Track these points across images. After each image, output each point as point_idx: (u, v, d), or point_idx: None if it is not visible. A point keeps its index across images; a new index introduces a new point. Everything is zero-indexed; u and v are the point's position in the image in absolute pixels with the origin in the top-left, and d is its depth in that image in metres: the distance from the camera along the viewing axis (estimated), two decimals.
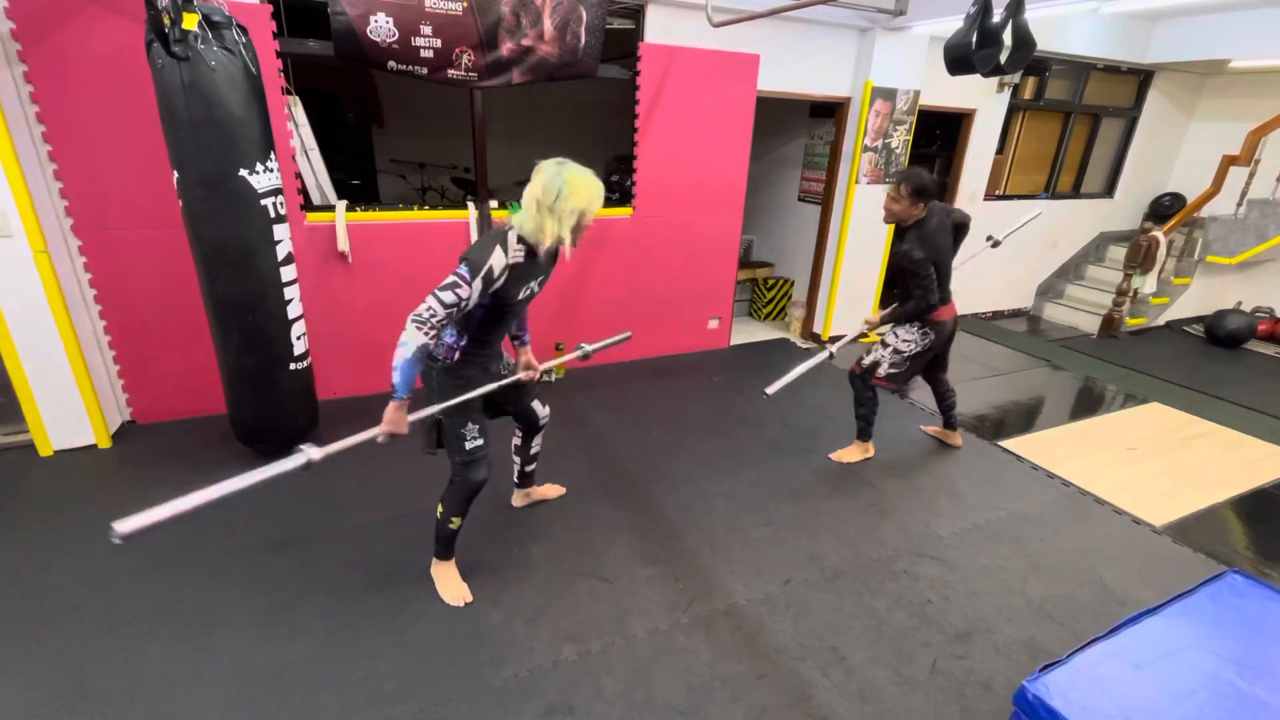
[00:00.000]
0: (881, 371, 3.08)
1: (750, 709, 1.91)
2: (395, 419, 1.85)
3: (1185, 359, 5.28)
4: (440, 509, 2.20)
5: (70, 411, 3.00)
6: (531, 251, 1.93)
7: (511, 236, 1.89)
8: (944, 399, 3.41)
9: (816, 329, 5.22)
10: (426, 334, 1.77)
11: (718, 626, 2.22)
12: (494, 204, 3.79)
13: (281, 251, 2.76)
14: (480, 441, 2.12)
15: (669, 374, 4.39)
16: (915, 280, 2.85)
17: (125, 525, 1.47)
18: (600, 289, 4.27)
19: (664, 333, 4.63)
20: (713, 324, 4.82)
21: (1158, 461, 3.52)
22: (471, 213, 3.72)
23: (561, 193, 1.84)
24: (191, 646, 2.03)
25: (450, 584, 2.28)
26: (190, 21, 2.29)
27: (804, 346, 5.09)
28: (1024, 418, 4.05)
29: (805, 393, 4.14)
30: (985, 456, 3.48)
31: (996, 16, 2.32)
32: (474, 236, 3.74)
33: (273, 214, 2.69)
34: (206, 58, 2.34)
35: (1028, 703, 1.59)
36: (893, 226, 3.07)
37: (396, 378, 1.79)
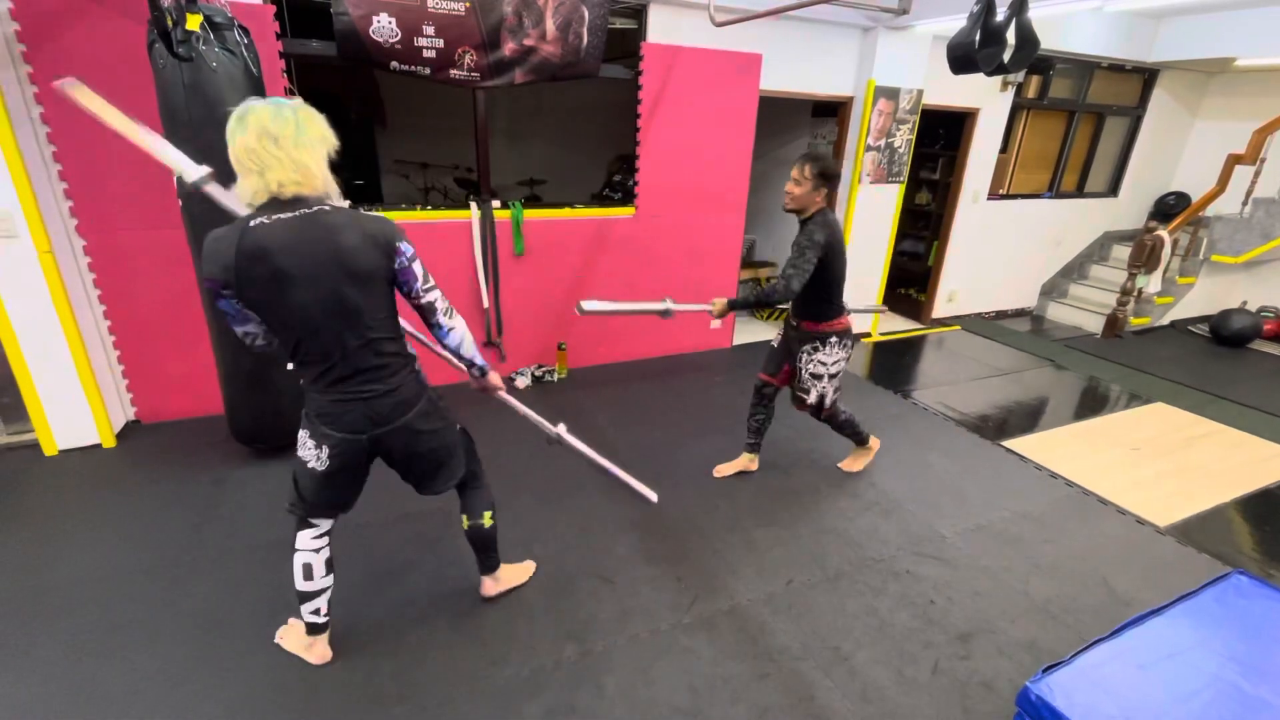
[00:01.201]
0: (828, 402, 2.90)
1: (752, 709, 1.91)
2: (498, 378, 2.00)
3: (1190, 359, 5.26)
4: (492, 516, 2.11)
5: (75, 411, 3.02)
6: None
7: (336, 207, 1.54)
8: (770, 418, 3.10)
9: None
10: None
11: (720, 626, 2.21)
12: (496, 204, 3.79)
13: None
14: None
15: (672, 374, 4.39)
16: (793, 263, 2.49)
17: None
18: (602, 289, 4.26)
19: (666, 333, 4.63)
20: (715, 324, 4.79)
21: (1162, 462, 3.50)
22: (474, 212, 3.73)
23: (299, 120, 1.44)
24: (194, 645, 2.03)
25: (519, 568, 2.37)
26: (194, 23, 2.30)
27: None
28: (1027, 418, 4.04)
29: None
30: (988, 456, 3.47)
31: (1000, 15, 2.31)
32: (476, 236, 3.75)
33: None
34: (208, 59, 2.35)
35: (1031, 703, 1.58)
36: (806, 221, 2.59)
37: (480, 357, 1.87)
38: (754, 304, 2.64)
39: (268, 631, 2.08)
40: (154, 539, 2.51)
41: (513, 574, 2.33)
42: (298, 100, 1.51)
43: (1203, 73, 6.13)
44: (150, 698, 1.85)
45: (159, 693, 1.87)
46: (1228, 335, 5.59)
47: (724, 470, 3.14)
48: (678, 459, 3.27)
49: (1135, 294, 5.59)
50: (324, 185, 1.52)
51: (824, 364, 2.79)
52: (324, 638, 1.99)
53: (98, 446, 3.11)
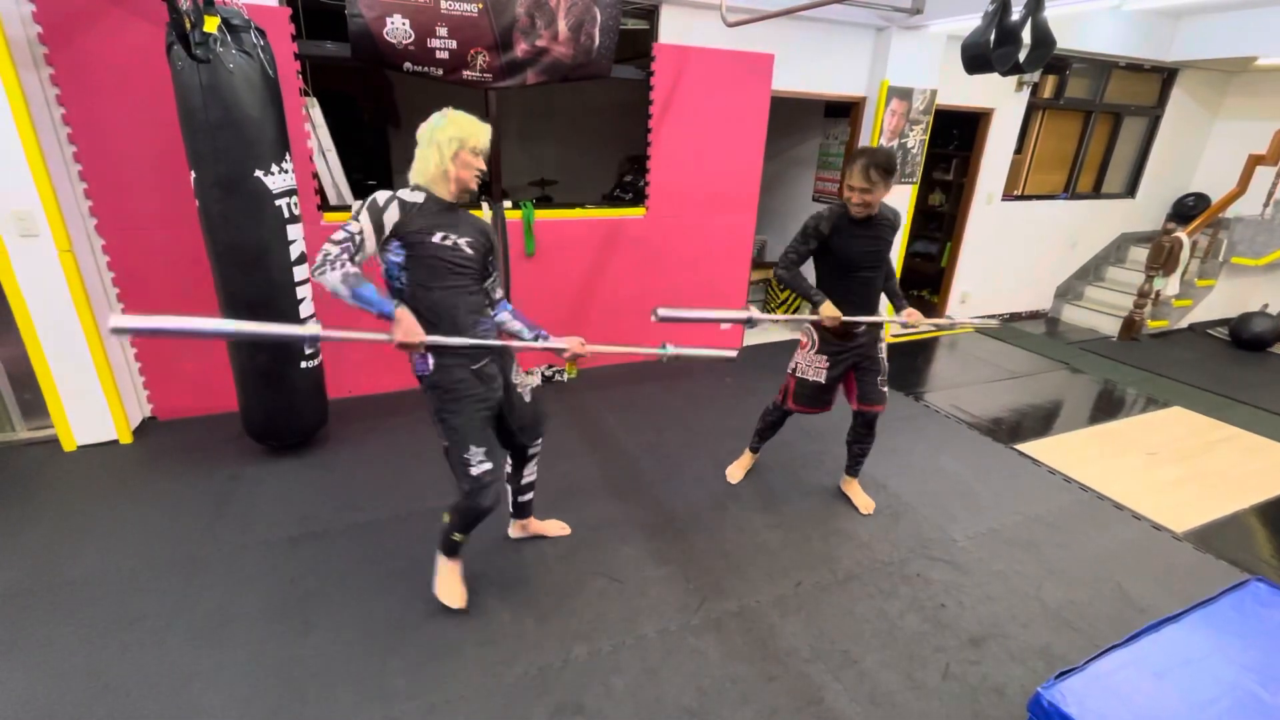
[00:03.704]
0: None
1: (760, 711, 1.90)
2: (407, 326, 1.78)
3: (1208, 362, 5.18)
4: (446, 517, 2.10)
5: (93, 408, 3.06)
6: (433, 197, 1.91)
7: (405, 187, 1.93)
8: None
9: None
10: (335, 269, 1.73)
11: (728, 628, 2.21)
12: (508, 204, 3.81)
13: (294, 252, 2.80)
14: (488, 466, 1.97)
15: (681, 374, 4.38)
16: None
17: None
18: (613, 289, 4.27)
19: (677, 333, 4.63)
20: (725, 325, 4.80)
21: (1179, 466, 3.46)
22: (486, 213, 3.75)
23: (437, 124, 1.89)
24: (208, 640, 2.06)
25: (449, 583, 2.20)
26: (211, 25, 2.33)
27: None
28: (1041, 421, 4.00)
29: None
30: (1001, 460, 3.44)
31: (1015, 14, 2.29)
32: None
33: (286, 214, 2.72)
34: (225, 60, 2.38)
35: (1043, 710, 1.57)
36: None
37: (360, 301, 1.76)
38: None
39: (279, 627, 2.11)
40: (169, 535, 2.54)
41: (446, 575, 2.20)
42: (447, 109, 1.92)
43: (1223, 72, 6.04)
44: (164, 691, 1.88)
45: (172, 686, 1.89)
46: (1248, 339, 5.50)
47: (736, 473, 3.13)
48: (687, 460, 3.27)
49: (1153, 296, 5.51)
50: (427, 175, 1.90)
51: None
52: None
53: (115, 443, 3.16)
